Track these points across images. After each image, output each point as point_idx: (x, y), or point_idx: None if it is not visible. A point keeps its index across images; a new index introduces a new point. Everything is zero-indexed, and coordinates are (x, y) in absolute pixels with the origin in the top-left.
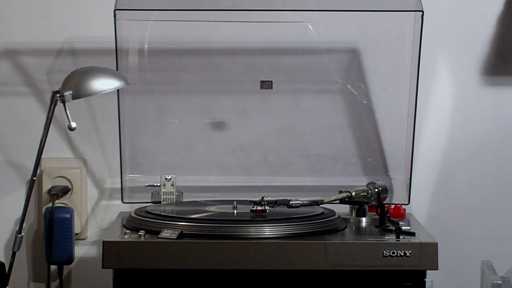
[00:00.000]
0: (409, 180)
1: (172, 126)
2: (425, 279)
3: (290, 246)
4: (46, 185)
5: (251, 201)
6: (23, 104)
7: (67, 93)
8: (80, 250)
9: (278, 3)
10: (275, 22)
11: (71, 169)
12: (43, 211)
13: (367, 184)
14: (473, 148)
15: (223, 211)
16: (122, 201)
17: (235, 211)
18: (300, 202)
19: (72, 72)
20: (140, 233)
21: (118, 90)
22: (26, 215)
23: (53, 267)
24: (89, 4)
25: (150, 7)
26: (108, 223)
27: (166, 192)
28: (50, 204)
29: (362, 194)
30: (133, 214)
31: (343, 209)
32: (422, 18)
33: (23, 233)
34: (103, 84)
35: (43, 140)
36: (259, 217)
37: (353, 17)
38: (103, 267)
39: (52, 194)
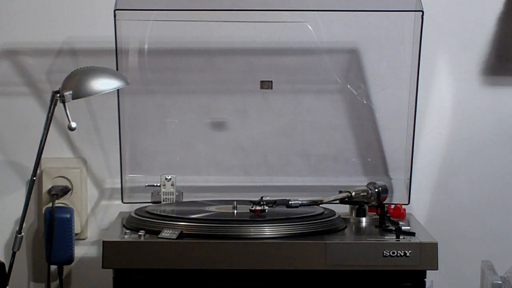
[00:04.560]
0: (409, 180)
1: (172, 126)
2: (425, 279)
3: (290, 246)
4: (46, 185)
5: (250, 201)
6: (23, 104)
7: (67, 93)
8: (80, 250)
9: (278, 3)
10: (275, 22)
11: (71, 169)
12: (43, 211)
13: (367, 184)
14: (473, 148)
15: (223, 211)
16: (122, 201)
17: (235, 211)
18: (300, 202)
19: (72, 72)
20: (140, 233)
21: (118, 90)
22: (26, 215)
23: (53, 267)
24: (89, 4)
25: (150, 7)
26: (108, 223)
27: (166, 192)
28: (50, 204)
29: (362, 194)
30: (133, 214)
31: (343, 209)
32: (422, 18)
33: (23, 233)
34: (103, 84)
35: (43, 140)
36: (259, 217)
37: (353, 17)
38: (103, 267)
39: (52, 194)
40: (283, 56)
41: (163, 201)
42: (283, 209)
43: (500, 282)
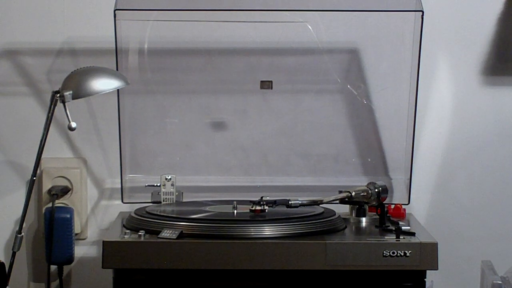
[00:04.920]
0: (409, 180)
1: (172, 126)
2: (425, 279)
3: (290, 246)
4: (46, 185)
5: (250, 201)
6: (23, 104)
7: (67, 93)
8: (80, 250)
9: (278, 3)
10: (275, 22)
11: (71, 169)
12: (43, 211)
13: (367, 184)
14: (473, 148)
15: (223, 211)
16: (122, 201)
17: (235, 211)
18: (300, 202)
19: (72, 72)
20: (140, 233)
21: (118, 90)
22: (26, 215)
23: (53, 267)
24: (89, 4)
25: (150, 7)
26: (108, 223)
27: (166, 192)
28: (50, 204)
29: (362, 194)
30: (133, 214)
31: (343, 209)
32: (422, 18)
33: (23, 233)
34: (103, 84)
35: (43, 140)
36: (259, 217)
37: (353, 17)
38: (103, 267)
39: (52, 194)
40: (283, 56)
41: (163, 201)
42: (283, 209)
43: (500, 282)
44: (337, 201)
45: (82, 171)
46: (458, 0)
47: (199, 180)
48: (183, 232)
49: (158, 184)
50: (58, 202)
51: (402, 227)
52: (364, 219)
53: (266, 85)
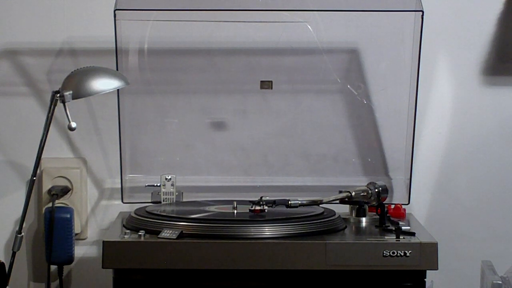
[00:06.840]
0: (409, 180)
1: (172, 126)
2: (425, 279)
3: (290, 246)
4: (46, 185)
5: (250, 201)
6: (23, 104)
7: (67, 93)
8: (80, 250)
9: (278, 3)
10: (275, 22)
11: (71, 169)
12: (43, 211)
13: (367, 184)
14: (473, 148)
15: (223, 211)
16: (122, 201)
17: (235, 211)
18: (299, 202)
19: (72, 72)
20: (140, 233)
21: (118, 90)
22: (26, 215)
23: (53, 267)
24: (89, 4)
25: (150, 7)
26: (108, 223)
27: (166, 192)
28: (50, 204)
29: (362, 194)
30: (133, 214)
31: (343, 209)
32: (422, 18)
33: (23, 233)
34: (103, 84)
35: (43, 140)
36: (259, 217)
37: (353, 17)
38: (103, 267)
39: (52, 194)
40: (283, 56)
41: (163, 201)
42: (283, 209)
43: (500, 282)
44: (337, 201)
45: (82, 171)
46: (458, 0)
47: (199, 180)
48: (183, 232)
49: (158, 184)
50: (58, 202)
51: (402, 227)
52: (364, 219)
53: (266, 85)
